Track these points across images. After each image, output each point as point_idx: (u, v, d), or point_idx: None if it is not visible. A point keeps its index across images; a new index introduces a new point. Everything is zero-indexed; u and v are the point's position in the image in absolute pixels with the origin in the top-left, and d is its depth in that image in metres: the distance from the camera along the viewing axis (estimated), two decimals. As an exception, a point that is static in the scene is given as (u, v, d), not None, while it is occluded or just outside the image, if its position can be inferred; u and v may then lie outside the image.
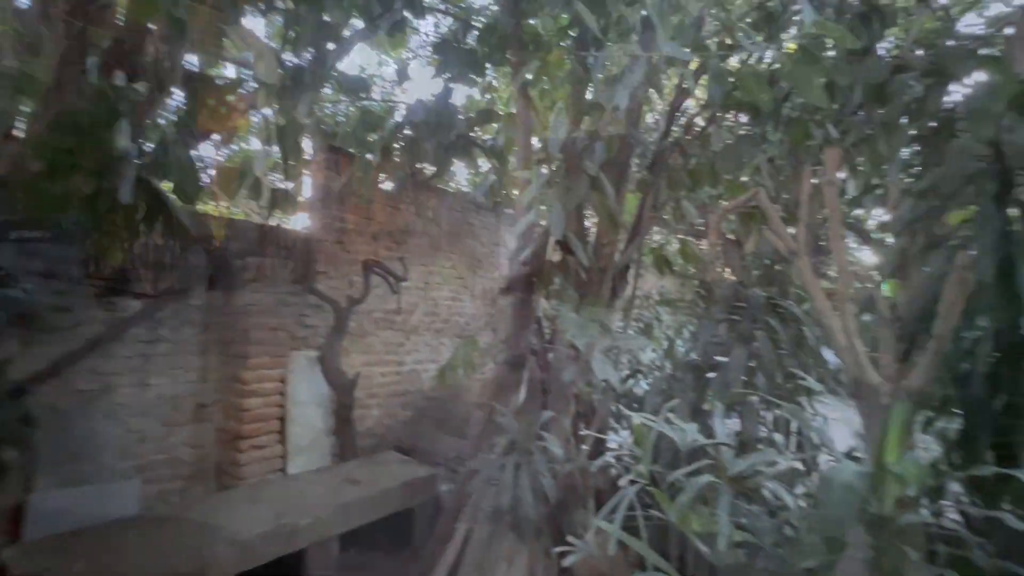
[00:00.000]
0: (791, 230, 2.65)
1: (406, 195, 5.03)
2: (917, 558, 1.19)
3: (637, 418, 1.83)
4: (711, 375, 2.92)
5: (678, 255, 4.45)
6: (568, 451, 2.86)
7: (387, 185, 4.95)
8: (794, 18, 3.21)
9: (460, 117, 4.88)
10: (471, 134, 4.91)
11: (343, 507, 2.84)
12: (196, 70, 3.29)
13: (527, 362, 3.29)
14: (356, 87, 4.24)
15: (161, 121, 3.08)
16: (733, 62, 3.12)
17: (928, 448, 2.69)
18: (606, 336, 3.37)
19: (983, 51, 2.79)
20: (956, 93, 2.91)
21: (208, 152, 4.86)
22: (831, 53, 3.26)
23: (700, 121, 3.82)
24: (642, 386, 3.43)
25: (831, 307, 2.31)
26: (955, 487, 2.48)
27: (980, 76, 2.71)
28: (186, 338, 3.24)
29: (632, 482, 1.65)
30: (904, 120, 2.94)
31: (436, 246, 5.38)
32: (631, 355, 3.95)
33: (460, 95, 5.76)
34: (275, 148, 3.40)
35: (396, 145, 4.30)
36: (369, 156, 3.83)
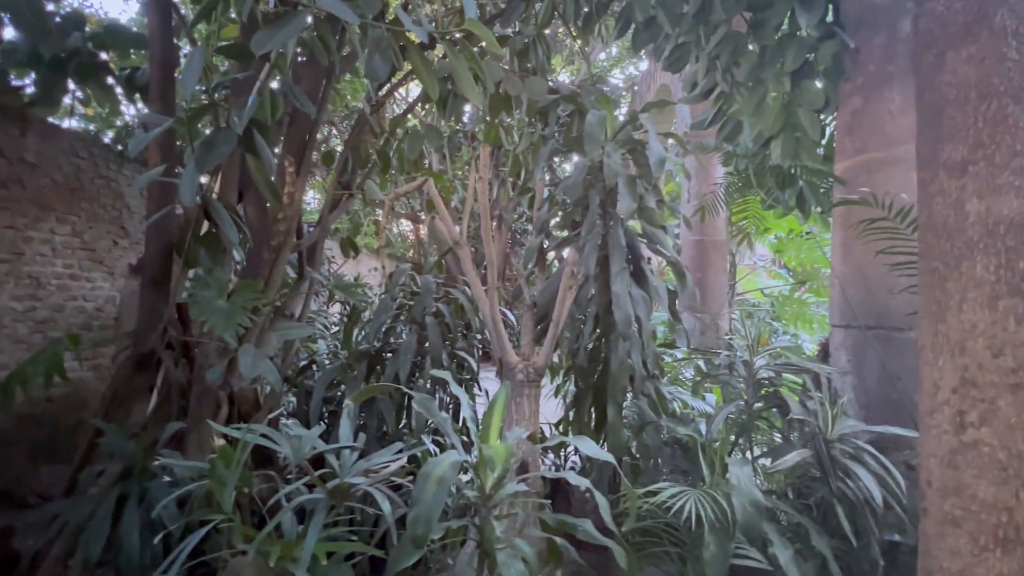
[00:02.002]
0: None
1: (-21, 123, 3.41)
2: (502, 530, 1.29)
3: (220, 435, 1.54)
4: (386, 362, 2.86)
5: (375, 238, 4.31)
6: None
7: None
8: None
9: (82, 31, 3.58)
10: (102, 56, 3.66)
11: None
12: None
13: (162, 361, 2.61)
14: None
15: None
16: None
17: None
18: (279, 326, 2.95)
19: (604, 89, 3.50)
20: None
21: None
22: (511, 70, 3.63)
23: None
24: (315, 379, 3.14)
25: (484, 294, 2.49)
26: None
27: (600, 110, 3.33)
28: None
29: (203, 522, 1.36)
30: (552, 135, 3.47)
31: (44, 204, 3.85)
32: (311, 344, 3.62)
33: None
34: None
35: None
36: None
